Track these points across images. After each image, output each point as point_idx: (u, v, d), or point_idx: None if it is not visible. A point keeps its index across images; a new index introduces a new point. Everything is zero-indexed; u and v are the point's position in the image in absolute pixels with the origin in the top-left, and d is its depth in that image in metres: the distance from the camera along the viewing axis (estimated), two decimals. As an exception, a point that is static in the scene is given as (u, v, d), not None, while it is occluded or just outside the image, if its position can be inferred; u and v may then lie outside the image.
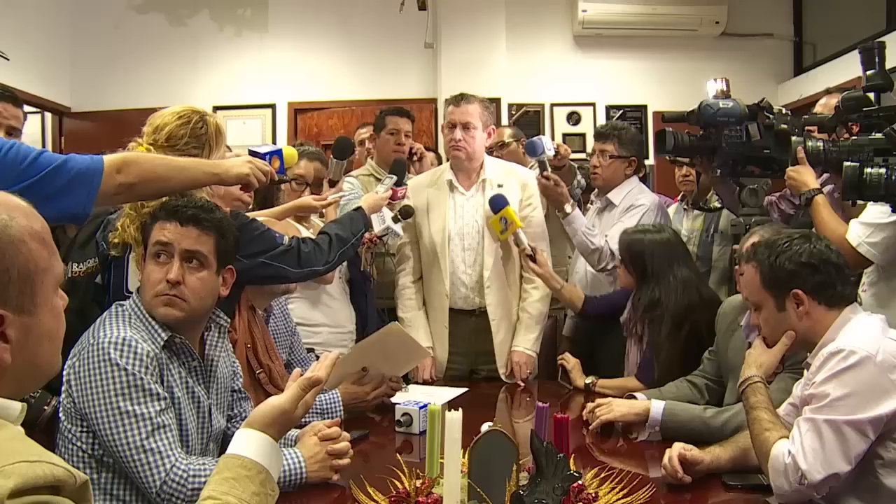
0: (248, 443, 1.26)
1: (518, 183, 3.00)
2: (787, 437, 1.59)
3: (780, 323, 1.75)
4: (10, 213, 0.95)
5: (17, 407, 0.94)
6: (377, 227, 2.61)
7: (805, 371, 1.76)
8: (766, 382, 1.77)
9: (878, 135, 2.15)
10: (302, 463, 1.69)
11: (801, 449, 1.54)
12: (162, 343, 1.64)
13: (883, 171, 2.01)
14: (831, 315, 1.70)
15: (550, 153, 2.96)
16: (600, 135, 3.20)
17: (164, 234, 1.67)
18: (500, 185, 2.95)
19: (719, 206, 3.12)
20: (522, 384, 2.92)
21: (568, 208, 2.92)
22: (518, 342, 2.97)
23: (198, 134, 1.96)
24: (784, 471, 1.55)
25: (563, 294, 2.91)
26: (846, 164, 2.04)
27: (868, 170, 2.01)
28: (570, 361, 2.80)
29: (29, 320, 0.96)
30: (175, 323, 1.66)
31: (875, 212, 2.16)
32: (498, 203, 2.79)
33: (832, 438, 1.52)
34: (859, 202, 2.21)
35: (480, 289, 2.95)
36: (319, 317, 2.89)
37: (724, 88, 2.63)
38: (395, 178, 2.72)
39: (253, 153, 2.12)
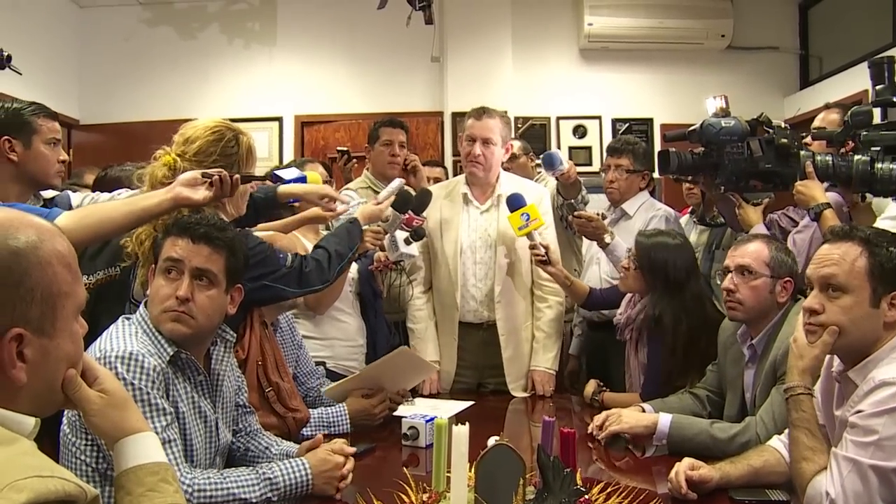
0: (136, 451, 1.15)
1: (532, 199, 2.97)
2: (826, 467, 1.51)
3: (865, 318, 1.56)
4: (41, 234, 0.97)
5: (31, 422, 0.95)
6: (392, 255, 2.58)
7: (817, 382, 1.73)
8: (811, 391, 1.66)
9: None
10: (309, 474, 1.69)
11: (841, 492, 1.45)
12: (168, 358, 1.64)
13: (894, 166, 2.00)
14: None
15: (562, 170, 3.00)
16: (615, 150, 3.24)
17: (176, 250, 1.68)
18: None
19: (723, 221, 3.14)
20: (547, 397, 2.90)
21: (608, 238, 2.92)
22: (537, 361, 2.96)
23: (229, 153, 1.94)
24: None
25: (572, 289, 2.91)
26: (857, 157, 2.03)
27: (879, 165, 2.00)
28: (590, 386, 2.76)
29: (48, 343, 0.96)
30: (182, 339, 1.66)
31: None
32: (516, 201, 2.77)
33: (877, 484, 1.42)
34: (866, 213, 2.22)
35: (490, 303, 2.95)
36: (331, 330, 2.87)
37: (724, 105, 2.64)
38: (400, 182, 2.64)
39: (276, 178, 2.13)
